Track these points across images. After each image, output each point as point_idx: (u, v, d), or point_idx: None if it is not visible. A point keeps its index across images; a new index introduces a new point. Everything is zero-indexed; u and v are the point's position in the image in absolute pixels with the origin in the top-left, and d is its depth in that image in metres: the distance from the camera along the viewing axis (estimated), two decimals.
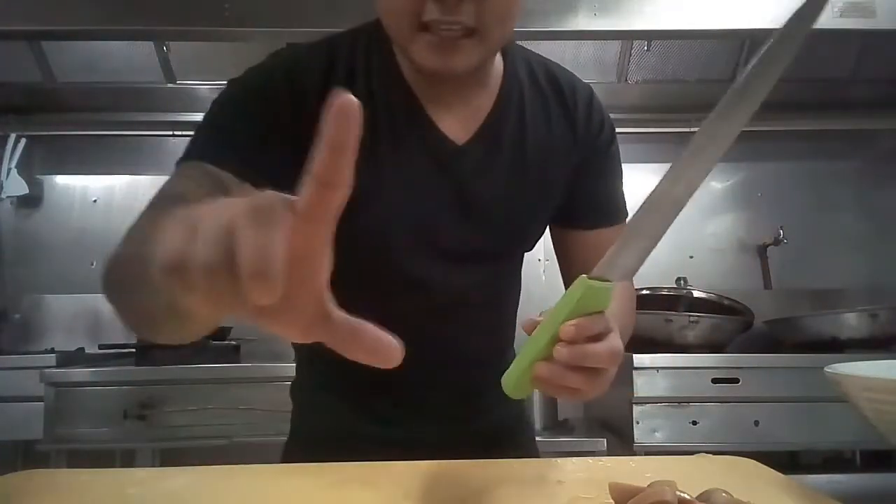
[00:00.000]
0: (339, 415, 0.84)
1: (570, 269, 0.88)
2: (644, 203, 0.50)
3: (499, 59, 0.80)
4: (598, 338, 0.54)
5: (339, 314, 0.38)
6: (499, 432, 0.87)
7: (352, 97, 0.31)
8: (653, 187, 0.50)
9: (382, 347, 0.38)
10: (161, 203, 0.64)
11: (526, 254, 0.88)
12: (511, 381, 0.58)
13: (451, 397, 0.83)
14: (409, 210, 0.75)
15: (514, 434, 0.91)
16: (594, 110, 0.84)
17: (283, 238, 0.31)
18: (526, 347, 0.57)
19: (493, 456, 0.71)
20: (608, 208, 0.87)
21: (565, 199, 0.84)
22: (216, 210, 0.33)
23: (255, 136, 0.70)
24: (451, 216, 0.77)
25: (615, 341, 0.55)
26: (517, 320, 0.89)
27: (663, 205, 0.49)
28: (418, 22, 0.65)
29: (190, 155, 0.71)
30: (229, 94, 0.75)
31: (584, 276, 0.54)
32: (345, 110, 0.31)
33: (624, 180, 0.89)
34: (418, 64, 0.69)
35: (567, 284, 0.83)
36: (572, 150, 0.82)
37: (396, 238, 0.76)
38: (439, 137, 0.76)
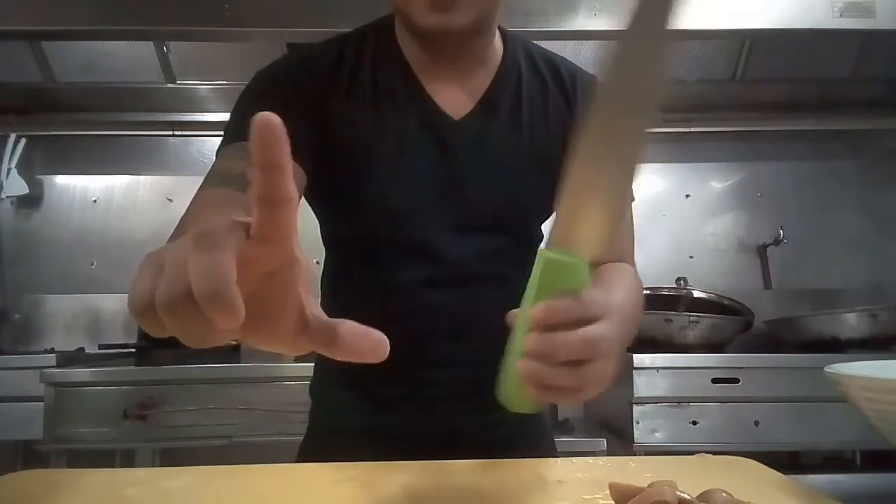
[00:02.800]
0: (352, 409, 0.85)
1: None
2: (577, 162, 0.47)
3: (499, 45, 0.86)
4: (578, 324, 0.48)
5: (316, 318, 0.38)
6: (514, 427, 0.85)
7: (270, 115, 0.32)
8: (579, 145, 0.47)
9: (364, 343, 0.38)
10: (211, 181, 0.71)
11: None
12: (508, 391, 0.52)
13: (463, 375, 0.81)
14: (407, 180, 0.80)
15: (531, 433, 0.89)
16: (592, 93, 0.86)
17: (230, 259, 0.31)
18: (511, 345, 0.51)
19: (508, 454, 0.71)
20: None
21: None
22: (177, 246, 0.34)
23: (282, 113, 0.76)
24: (446, 187, 0.81)
25: (598, 329, 0.49)
26: None
27: (609, 162, 0.47)
28: None
29: (228, 138, 0.77)
30: (257, 83, 0.82)
31: (542, 247, 0.50)
32: (265, 129, 0.32)
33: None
34: (419, 25, 0.75)
35: None
36: (569, 127, 0.84)
37: (396, 206, 0.80)
38: (437, 112, 0.81)
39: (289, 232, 0.35)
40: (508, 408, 0.53)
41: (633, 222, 0.89)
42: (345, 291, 0.87)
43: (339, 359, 0.38)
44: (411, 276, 0.80)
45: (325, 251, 0.89)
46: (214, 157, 0.77)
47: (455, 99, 0.82)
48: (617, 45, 0.46)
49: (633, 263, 0.86)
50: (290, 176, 0.33)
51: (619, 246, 0.83)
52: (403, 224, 0.80)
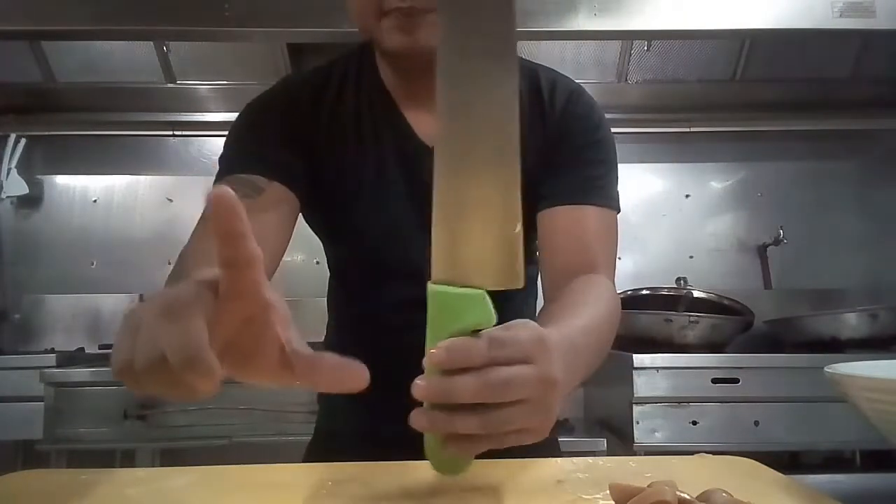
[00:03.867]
0: (354, 414, 0.87)
1: (550, 259, 0.82)
2: (440, 180, 0.45)
3: None
4: (488, 365, 0.43)
5: (297, 354, 0.39)
6: None
7: (225, 188, 0.33)
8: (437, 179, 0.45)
9: (343, 375, 0.40)
10: (207, 214, 0.72)
11: None
12: (430, 450, 0.48)
13: None
14: (386, 206, 0.81)
15: None
16: (574, 103, 0.84)
17: (199, 325, 0.33)
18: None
19: (508, 454, 0.71)
20: (586, 186, 0.81)
21: (541, 187, 0.81)
22: (152, 306, 0.35)
23: (271, 143, 0.79)
24: (422, 212, 0.80)
25: (510, 371, 0.43)
26: (535, 312, 0.87)
27: (467, 177, 0.44)
28: (379, 10, 0.72)
29: (223, 170, 0.79)
30: (246, 116, 0.84)
31: (429, 282, 0.46)
32: (220, 202, 0.34)
33: (619, 177, 0.85)
34: (387, 48, 0.75)
35: (545, 283, 0.80)
36: (542, 141, 0.82)
37: (378, 233, 0.82)
38: (412, 139, 0.82)
39: (256, 286, 0.36)
40: (436, 470, 0.49)
41: (613, 235, 0.83)
42: (344, 307, 0.91)
43: (322, 391, 0.40)
44: (400, 297, 0.82)
45: (328, 269, 0.92)
46: (215, 161, 0.80)
47: (430, 124, 0.81)
48: (448, 51, 0.45)
49: (609, 275, 0.80)
50: (251, 239, 0.35)
51: (588, 258, 0.77)
52: (387, 249, 0.82)
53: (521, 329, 0.46)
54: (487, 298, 0.45)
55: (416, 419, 0.45)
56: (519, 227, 0.45)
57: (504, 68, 0.45)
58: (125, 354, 0.35)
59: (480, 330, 0.45)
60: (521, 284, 0.46)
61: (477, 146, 0.45)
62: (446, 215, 0.46)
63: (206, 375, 0.32)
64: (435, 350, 0.43)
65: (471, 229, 0.45)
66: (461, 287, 0.44)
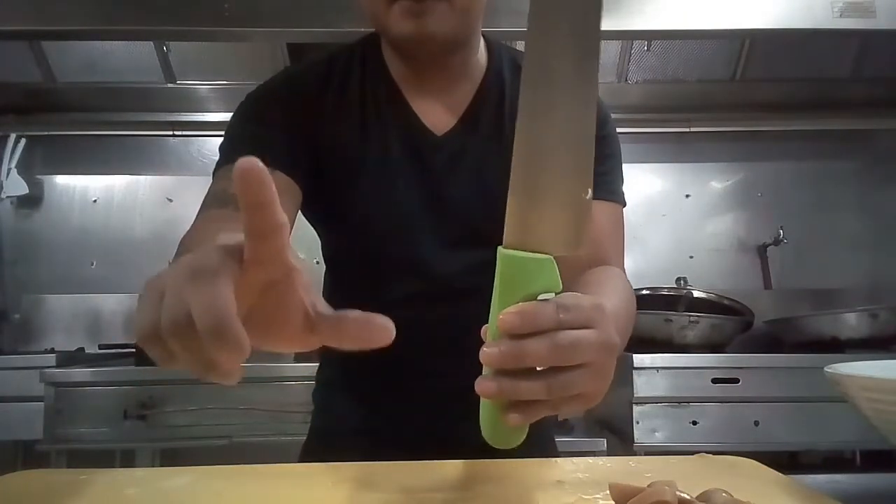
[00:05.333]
0: (352, 412, 0.86)
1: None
2: (519, 151, 0.45)
3: (484, 55, 0.86)
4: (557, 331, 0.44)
5: (321, 315, 0.39)
6: None
7: (252, 160, 0.33)
8: (518, 137, 0.45)
9: (369, 330, 0.39)
10: (208, 202, 0.72)
11: None
12: (486, 422, 0.48)
13: (459, 383, 0.81)
14: (391, 198, 0.80)
15: (531, 433, 0.89)
16: None
17: (228, 291, 0.32)
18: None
19: (508, 454, 0.71)
20: (595, 181, 0.84)
21: None
22: (175, 271, 0.35)
23: (273, 132, 0.78)
24: (428, 204, 0.81)
25: (577, 334, 0.44)
26: None
27: (546, 145, 0.45)
28: None
29: (224, 159, 0.78)
30: (248, 105, 0.83)
31: (500, 247, 0.47)
32: (246, 173, 0.33)
33: (624, 175, 0.87)
34: (396, 34, 0.75)
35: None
36: None
37: (382, 225, 0.81)
38: (420, 130, 0.81)
39: (282, 252, 0.36)
40: (492, 444, 0.49)
41: (621, 229, 0.85)
42: (341, 303, 0.88)
43: (349, 348, 0.39)
44: (401, 292, 0.81)
45: (325, 263, 0.91)
46: (215, 161, 0.79)
47: (438, 115, 0.82)
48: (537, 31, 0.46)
49: (622, 267, 0.83)
50: (277, 207, 0.34)
51: (599, 251, 0.78)
52: (390, 241, 0.81)
53: (581, 296, 0.47)
54: (555, 264, 0.46)
55: (484, 386, 0.45)
56: (590, 193, 0.46)
57: (589, 42, 0.48)
58: (150, 317, 0.34)
59: (544, 297, 0.46)
60: (585, 250, 0.47)
61: (558, 116, 0.46)
62: (524, 183, 0.46)
63: (233, 346, 0.32)
64: (506, 315, 0.43)
65: (545, 196, 0.46)
66: (531, 252, 0.45)
